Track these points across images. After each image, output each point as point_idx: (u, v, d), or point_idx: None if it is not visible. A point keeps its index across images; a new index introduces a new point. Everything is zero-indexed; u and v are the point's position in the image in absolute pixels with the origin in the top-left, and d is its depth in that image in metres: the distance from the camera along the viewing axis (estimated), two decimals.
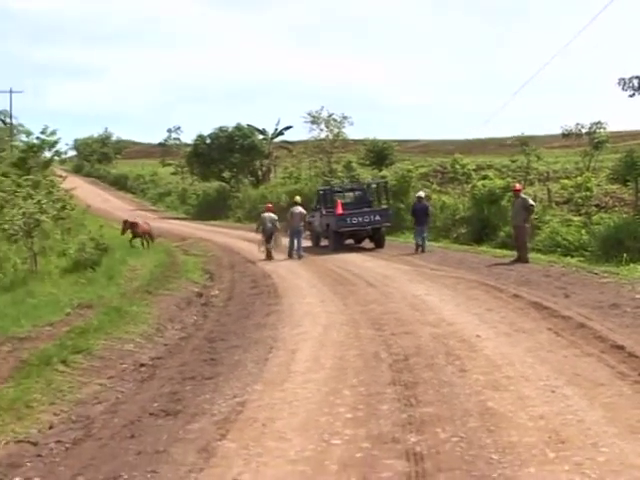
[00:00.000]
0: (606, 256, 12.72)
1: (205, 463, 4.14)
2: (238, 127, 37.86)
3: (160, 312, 9.84)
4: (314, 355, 6.73)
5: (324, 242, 18.70)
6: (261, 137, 39.63)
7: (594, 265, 12.03)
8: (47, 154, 25.05)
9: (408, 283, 11.30)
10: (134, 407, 5.55)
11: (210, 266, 15.89)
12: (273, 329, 8.21)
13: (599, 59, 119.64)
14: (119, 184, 54.78)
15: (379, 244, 17.63)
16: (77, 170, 61.65)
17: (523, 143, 27.57)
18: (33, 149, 23.58)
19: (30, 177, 18.80)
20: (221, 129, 37.88)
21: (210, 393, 5.67)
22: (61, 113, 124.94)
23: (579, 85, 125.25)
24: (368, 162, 31.68)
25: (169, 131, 57.12)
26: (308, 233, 18.98)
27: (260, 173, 39.07)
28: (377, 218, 17.39)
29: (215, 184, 39.90)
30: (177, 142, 55.16)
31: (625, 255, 12.00)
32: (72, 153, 64.20)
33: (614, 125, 43.44)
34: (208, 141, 37.94)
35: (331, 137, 33.73)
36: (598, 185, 19.72)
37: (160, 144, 59.06)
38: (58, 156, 27.21)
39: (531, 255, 13.31)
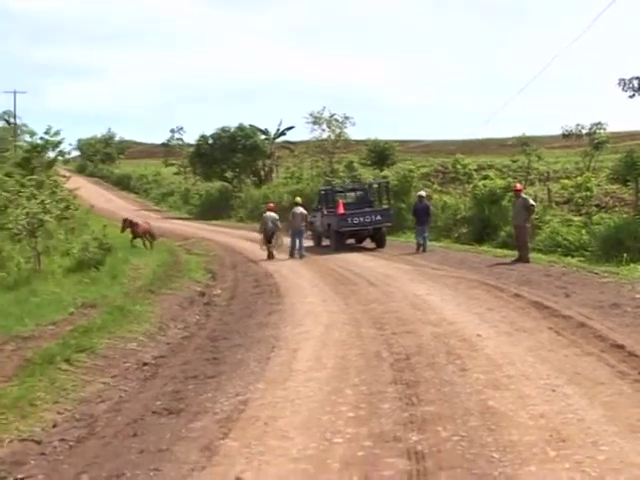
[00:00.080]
0: (606, 256, 12.76)
1: (207, 461, 4.15)
2: (240, 127, 37.93)
3: (163, 311, 9.86)
4: (316, 354, 6.74)
5: (325, 242, 18.76)
6: (263, 137, 39.73)
7: (594, 265, 12.06)
8: (51, 154, 25.20)
9: (409, 282, 11.32)
10: (137, 406, 5.56)
11: (213, 266, 15.92)
12: (275, 328, 8.22)
13: (599, 60, 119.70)
14: (122, 184, 54.92)
15: (380, 244, 17.68)
16: (80, 170, 61.83)
17: (524, 143, 27.66)
18: (37, 149, 23.67)
19: (34, 177, 18.88)
20: (223, 129, 37.96)
21: (212, 392, 5.68)
22: (64, 113, 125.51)
23: (579, 86, 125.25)
24: (370, 162, 31.76)
25: (172, 131, 57.28)
26: (310, 233, 19.05)
27: (262, 173, 39.13)
28: (378, 218, 17.46)
29: (217, 184, 39.97)
30: (180, 142, 55.28)
31: (625, 255, 12.04)
32: (75, 153, 64.59)
33: (614, 126, 43.46)
34: (211, 141, 38.02)
35: (333, 137, 33.79)
36: (598, 185, 19.77)
37: (163, 144, 59.23)
38: (62, 156, 27.36)
39: (532, 255, 13.33)
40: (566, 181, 19.61)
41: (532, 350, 6.32)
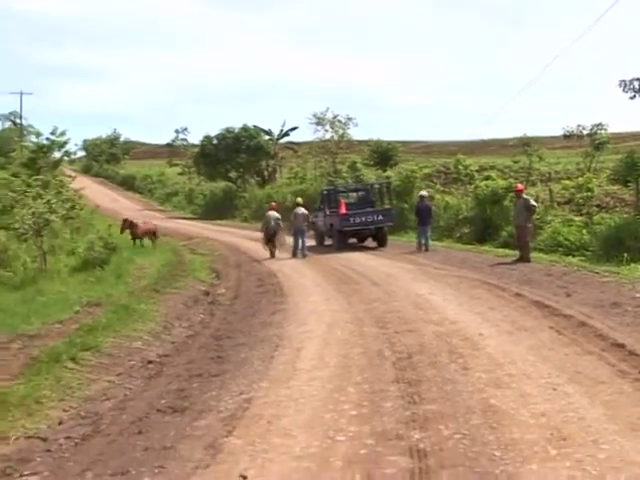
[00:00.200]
0: (607, 256, 12.80)
1: (212, 459, 4.16)
2: (244, 128, 38.02)
3: (167, 310, 9.88)
4: (319, 353, 6.76)
5: (328, 241, 18.88)
6: (267, 138, 39.81)
7: (595, 265, 12.08)
8: (56, 154, 25.29)
9: (411, 282, 11.34)
10: (142, 404, 5.58)
11: (217, 265, 15.95)
12: (279, 327, 8.25)
13: (600, 60, 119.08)
14: (127, 184, 55.14)
15: (382, 243, 17.81)
16: (86, 170, 62.09)
17: (525, 144, 27.72)
18: (43, 149, 23.78)
19: (40, 177, 18.96)
20: (228, 130, 38.07)
21: (217, 390, 5.70)
22: (70, 114, 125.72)
23: (580, 86, 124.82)
24: (372, 163, 31.86)
25: (176, 132, 57.60)
26: (312, 233, 19.15)
27: (266, 173, 39.22)
28: (380, 218, 17.61)
29: (222, 184, 40.08)
30: (184, 143, 55.54)
31: (626, 255, 12.08)
32: (81, 154, 64.85)
33: (615, 126, 43.36)
34: (215, 142, 38.14)
35: (336, 138, 33.88)
36: (599, 186, 19.81)
37: (167, 145, 59.50)
38: (67, 156, 27.48)
39: (533, 255, 13.37)
40: (567, 181, 19.70)
41: (533, 349, 6.33)
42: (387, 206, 18.89)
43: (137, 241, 18.74)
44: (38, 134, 25.99)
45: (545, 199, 19.39)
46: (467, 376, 5.57)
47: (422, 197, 17.24)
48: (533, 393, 5.04)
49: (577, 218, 16.58)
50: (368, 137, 34.86)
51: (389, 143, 33.19)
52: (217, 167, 38.06)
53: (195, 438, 4.58)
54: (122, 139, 68.87)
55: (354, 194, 20.27)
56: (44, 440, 4.88)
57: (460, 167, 24.43)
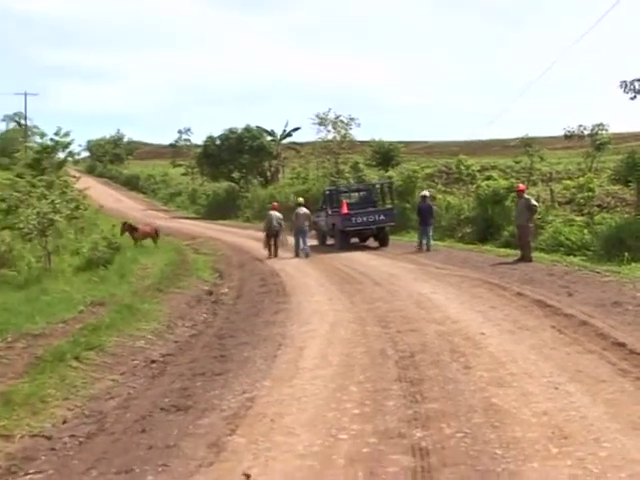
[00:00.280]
0: (608, 255, 12.84)
1: (215, 457, 4.18)
2: (247, 128, 38.10)
3: (171, 310, 9.90)
4: (322, 352, 6.77)
5: (330, 241, 18.97)
6: (270, 138, 39.91)
7: (596, 264, 12.09)
8: (61, 155, 25.35)
9: (413, 281, 11.36)
10: (145, 402, 5.60)
11: (220, 265, 15.99)
12: (282, 326, 8.26)
13: (601, 61, 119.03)
14: (131, 184, 55.27)
15: (383, 243, 17.90)
16: (90, 171, 62.26)
17: (526, 144, 27.74)
18: (47, 150, 23.84)
19: (44, 177, 19.01)
20: (231, 130, 38.14)
21: (220, 389, 5.72)
22: (74, 115, 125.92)
23: (581, 87, 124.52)
24: (375, 163, 31.94)
25: (179, 132, 57.82)
26: (314, 232, 19.24)
27: (269, 174, 39.28)
28: (381, 217, 17.70)
29: (225, 184, 40.15)
30: (187, 143, 55.76)
31: (627, 254, 12.12)
32: (85, 154, 65.10)
33: (616, 127, 43.30)
34: (218, 142, 38.21)
35: (338, 138, 33.93)
36: (600, 186, 19.84)
37: (171, 145, 59.72)
38: (71, 157, 27.55)
39: (534, 254, 13.40)
40: (568, 182, 19.75)
41: (535, 348, 6.35)
42: (389, 206, 18.97)
43: (137, 242, 18.76)
44: (42, 135, 26.10)
45: (546, 199, 19.44)
46: (469, 375, 5.59)
47: (424, 197, 17.30)
48: (535, 392, 5.06)
49: (578, 218, 16.61)
50: (370, 137, 35.01)
51: (391, 143, 33.28)
52: (220, 167, 38.12)
53: (198, 436, 4.60)
54: (126, 139, 69.10)
55: (356, 194, 20.36)
56: (49, 439, 4.92)
57: (462, 167, 24.46)
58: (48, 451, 4.67)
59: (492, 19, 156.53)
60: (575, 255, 13.88)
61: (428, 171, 28.91)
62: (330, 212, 18.53)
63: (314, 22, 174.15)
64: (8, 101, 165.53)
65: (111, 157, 64.81)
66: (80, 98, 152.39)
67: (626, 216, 16.07)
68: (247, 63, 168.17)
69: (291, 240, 17.20)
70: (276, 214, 17.09)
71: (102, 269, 13.41)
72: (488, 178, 21.77)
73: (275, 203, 19.20)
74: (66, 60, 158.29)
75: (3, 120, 66.77)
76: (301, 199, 18.72)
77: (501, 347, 6.46)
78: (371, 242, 18.53)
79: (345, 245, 17.68)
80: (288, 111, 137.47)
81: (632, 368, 5.48)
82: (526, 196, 13.90)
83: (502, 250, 15.45)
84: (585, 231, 15.08)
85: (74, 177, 25.29)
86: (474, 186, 21.77)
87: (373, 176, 28.34)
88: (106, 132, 69.47)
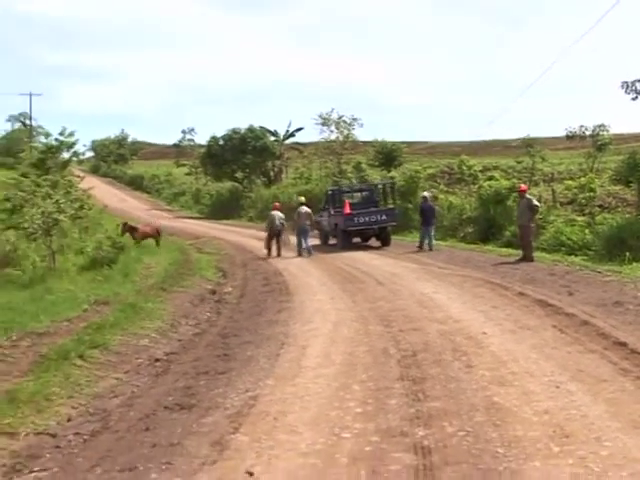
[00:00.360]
0: (609, 255, 12.92)
1: (218, 455, 4.21)
2: (250, 129, 38.16)
3: (174, 309, 9.91)
4: (324, 351, 6.80)
5: (332, 241, 19.07)
6: (273, 139, 39.95)
7: (597, 264, 12.14)
8: (65, 155, 25.45)
9: (416, 281, 11.38)
10: (149, 401, 5.62)
11: (223, 264, 16.01)
12: (284, 325, 8.28)
13: (602, 61, 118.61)
14: (135, 184, 55.40)
15: (385, 242, 18.00)
16: (94, 170, 62.42)
17: (528, 145, 27.79)
18: (52, 150, 23.91)
19: (49, 177, 19.05)
20: (234, 131, 38.21)
21: (223, 387, 5.74)
22: (78, 115, 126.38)
23: (582, 87, 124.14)
24: (377, 163, 32.00)
25: (183, 132, 57.94)
26: (316, 232, 19.34)
27: (272, 174, 39.33)
28: (383, 217, 17.80)
29: (228, 184, 40.22)
30: (191, 143, 55.87)
31: (628, 254, 12.18)
32: (89, 154, 65.34)
33: (617, 127, 43.25)
34: (221, 142, 38.29)
35: (341, 139, 33.98)
36: (601, 186, 19.98)
37: (174, 145, 59.86)
38: (76, 157, 27.67)
39: (536, 254, 13.44)
40: (570, 182, 19.82)
41: (536, 347, 6.36)
42: (391, 206, 19.07)
43: (137, 242, 18.77)
44: (47, 135, 26.31)
45: (548, 199, 19.55)
46: (471, 374, 5.61)
47: (425, 198, 17.43)
48: (536, 391, 5.07)
49: (579, 218, 16.72)
50: (372, 138, 35.13)
51: (394, 144, 33.35)
52: (223, 167, 38.20)
53: (202, 435, 4.62)
54: (130, 140, 69.26)
55: (358, 194, 20.47)
56: (53, 436, 4.94)
57: (464, 167, 24.51)
58: (53, 449, 4.69)
59: (492, 19, 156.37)
60: (576, 255, 13.94)
61: (430, 171, 28.96)
62: (332, 212, 18.65)
63: (314, 22, 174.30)
64: (13, 101, 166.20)
65: (115, 157, 64.99)
66: (84, 98, 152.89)
67: (627, 216, 16.19)
68: (248, 63, 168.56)
69: (293, 239, 17.28)
70: (278, 214, 17.17)
71: (106, 268, 13.44)
72: (490, 178, 21.84)
73: (277, 203, 19.29)
74: (69, 60, 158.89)
75: (8, 120, 67.09)
76: (302, 198, 18.82)
77: (503, 346, 6.48)
78: (373, 242, 18.58)
79: (347, 245, 17.80)
80: (289, 111, 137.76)
81: (633, 367, 5.49)
82: (528, 196, 13.94)
83: (504, 250, 15.49)
84: (586, 231, 15.16)
85: (78, 177, 25.36)
86: (476, 186, 21.85)
87: (376, 176, 28.40)
88: (110, 132, 69.79)
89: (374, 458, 4.00)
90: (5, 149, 51.30)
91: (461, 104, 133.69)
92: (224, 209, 36.50)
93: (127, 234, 18.17)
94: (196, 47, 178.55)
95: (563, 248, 14.79)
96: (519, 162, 29.15)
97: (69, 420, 5.33)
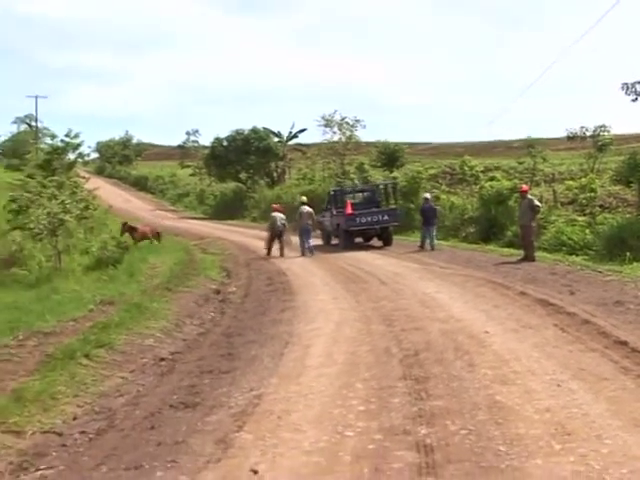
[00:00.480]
0: (610, 255, 12.96)
1: (223, 454, 4.23)
2: (254, 130, 38.27)
3: (179, 308, 9.93)
4: (328, 350, 6.82)
5: (335, 240, 19.14)
6: (276, 140, 40.04)
7: (598, 264, 12.16)
8: (71, 156, 25.59)
9: (418, 281, 11.40)
10: (154, 399, 5.65)
11: (227, 264, 16.05)
12: (288, 325, 8.32)
13: (602, 62, 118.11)
14: (140, 185, 55.57)
15: (387, 242, 18.09)
16: (99, 171, 62.63)
17: (529, 145, 27.87)
18: (57, 151, 24.02)
19: (55, 178, 19.06)
20: (238, 132, 38.31)
21: (227, 386, 5.77)
22: (83, 117, 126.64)
23: (582, 88, 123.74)
24: (380, 164, 32.09)
25: (187, 134, 58.18)
26: (319, 232, 19.43)
27: (275, 174, 39.41)
28: (385, 218, 17.89)
29: (232, 185, 40.31)
30: (195, 144, 56.08)
31: (628, 254, 12.21)
32: (94, 155, 65.67)
33: (618, 128, 43.14)
34: (225, 143, 38.40)
35: (344, 140, 34.07)
36: (602, 186, 20.00)
37: (179, 146, 60.12)
38: (81, 158, 27.86)
39: (537, 254, 13.46)
40: (571, 182, 19.88)
41: (538, 346, 6.37)
42: (392, 206, 19.14)
43: (136, 243, 18.81)
44: (53, 136, 26.45)
45: (549, 199, 19.60)
46: (473, 373, 5.62)
47: (426, 199, 17.55)
48: (538, 389, 5.09)
49: (580, 218, 16.75)
50: (375, 139, 35.25)
51: (396, 144, 33.48)
52: (227, 168, 38.30)
53: (206, 433, 4.65)
54: (134, 141, 69.57)
55: (360, 195, 20.55)
56: (59, 435, 4.97)
57: (465, 168, 24.58)
58: (59, 447, 4.73)
59: (492, 19, 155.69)
60: (577, 255, 13.97)
61: (432, 172, 28.98)
62: (335, 212, 18.76)
63: (314, 23, 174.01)
64: (19, 104, 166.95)
65: (120, 158, 65.23)
66: (89, 100, 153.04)
67: (628, 216, 16.23)
68: (249, 64, 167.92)
69: (295, 240, 17.39)
70: (279, 215, 17.31)
71: (111, 268, 13.50)
72: (492, 179, 21.88)
73: (277, 204, 19.43)
74: (74, 62, 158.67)
75: (14, 122, 67.57)
76: (304, 198, 18.94)
77: (505, 345, 6.49)
78: (375, 242, 18.65)
79: (349, 245, 17.90)
80: (290, 111, 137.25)
81: (634, 366, 5.50)
82: (529, 196, 13.97)
83: (505, 250, 15.52)
84: (587, 231, 15.23)
85: (84, 178, 25.44)
86: (478, 187, 21.90)
87: (378, 177, 28.45)
88: (115, 134, 70.12)
89: (377, 456, 4.02)
90: (11, 151, 51.67)
91: (461, 104, 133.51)
92: (228, 210, 36.58)
93: (127, 234, 18.25)
94: (198, 48, 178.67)
95: (564, 248, 14.83)
96: (520, 163, 29.21)
97: (75, 419, 5.36)
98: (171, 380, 6.31)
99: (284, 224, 17.12)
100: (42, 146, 30.28)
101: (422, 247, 16.48)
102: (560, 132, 27.54)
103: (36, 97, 51.03)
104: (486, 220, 18.83)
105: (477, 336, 6.93)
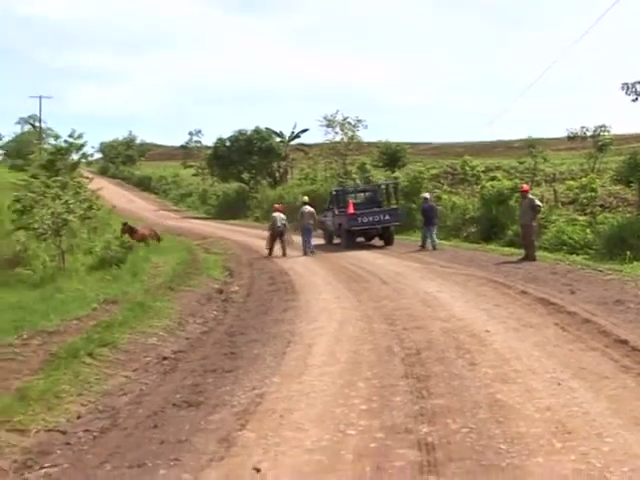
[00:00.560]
0: (610, 254, 13.03)
1: (226, 452, 4.24)
2: (257, 130, 38.34)
3: (182, 307, 9.95)
4: (330, 349, 6.84)
5: (337, 240, 19.25)
6: (278, 140, 40.10)
7: (599, 263, 12.19)
8: (74, 156, 25.59)
9: (419, 280, 11.42)
10: (158, 398, 5.67)
11: (230, 263, 16.09)
12: (290, 324, 8.33)
13: (602, 62, 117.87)
14: (143, 185, 55.69)
15: (388, 242, 18.17)
16: (103, 172, 62.76)
17: (530, 145, 27.85)
18: (61, 152, 24.05)
19: (58, 178, 19.09)
20: (240, 132, 38.39)
21: (230, 385, 5.79)
22: (87, 117, 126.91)
23: (583, 88, 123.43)
24: (381, 164, 32.16)
25: (190, 134, 58.27)
26: (321, 232, 19.51)
27: (277, 174, 39.48)
28: (386, 217, 18.00)
29: (234, 185, 40.39)
30: (198, 145, 56.20)
31: (628, 253, 12.27)
32: (98, 156, 65.76)
33: (618, 128, 43.07)
34: (228, 144, 38.48)
35: (346, 140, 34.13)
36: (602, 186, 20.04)
37: (182, 147, 60.25)
38: (85, 158, 27.87)
39: (538, 253, 13.46)
40: (571, 182, 19.94)
41: (538, 345, 6.39)
42: (394, 206, 19.22)
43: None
44: (56, 137, 26.42)
45: (550, 199, 19.64)
46: (474, 371, 5.64)
47: (426, 199, 17.59)
48: (538, 388, 5.11)
49: (581, 218, 16.81)
50: (377, 139, 35.31)
51: (398, 145, 33.52)
52: (230, 168, 38.37)
53: (209, 432, 4.66)
54: (138, 141, 69.68)
55: (362, 194, 20.64)
56: (63, 433, 4.99)
57: (467, 168, 24.62)
58: (63, 445, 4.74)
59: (492, 19, 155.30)
60: (578, 254, 14.02)
61: (434, 172, 29.01)
62: (337, 212, 18.85)
63: (314, 23, 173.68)
64: (22, 104, 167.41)
65: (123, 158, 65.37)
66: (92, 101, 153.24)
67: (628, 216, 16.28)
68: (250, 64, 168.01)
69: (297, 239, 17.47)
70: (280, 215, 17.40)
71: (115, 268, 13.54)
72: (493, 179, 21.91)
73: (278, 205, 19.50)
74: (77, 63, 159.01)
75: (18, 123, 67.84)
76: (306, 198, 19.09)
77: (505, 344, 6.51)
78: (376, 241, 18.69)
79: (351, 244, 17.99)
80: (291, 111, 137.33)
81: (634, 365, 5.51)
82: (530, 196, 14.00)
83: (506, 249, 15.52)
84: (588, 230, 15.29)
85: (87, 178, 25.45)
86: (479, 186, 21.97)
87: (380, 177, 28.49)
88: (119, 134, 70.23)
89: (379, 454, 4.03)
90: (15, 151, 51.86)
91: (461, 104, 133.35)
92: (230, 209, 36.66)
93: (126, 235, 18.29)
94: (199, 48, 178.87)
95: (565, 247, 14.88)
96: (521, 162, 29.23)
97: (79, 417, 5.37)
98: (174, 379, 6.33)
99: (284, 224, 17.23)
100: (46, 146, 30.33)
101: (423, 247, 16.53)
102: (560, 132, 27.63)
103: (40, 97, 51.27)
104: (487, 220, 18.88)
105: (478, 335, 6.95)
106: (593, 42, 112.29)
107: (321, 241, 19.19)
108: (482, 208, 19.49)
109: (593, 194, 17.51)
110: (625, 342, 6.17)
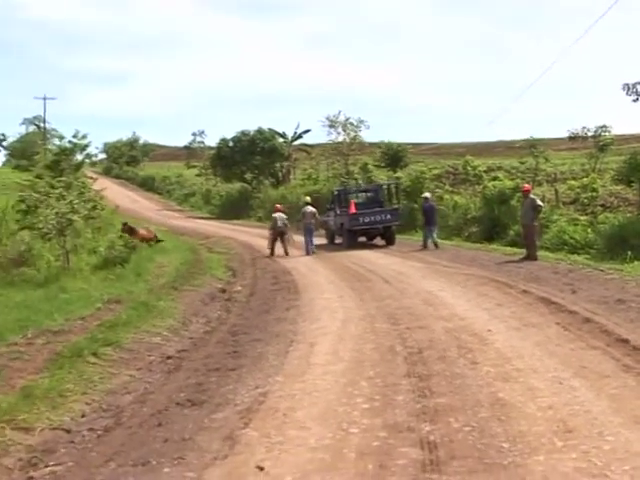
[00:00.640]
0: (611, 254, 13.07)
1: (229, 450, 4.24)
2: (259, 131, 38.43)
3: (185, 307, 9.98)
4: (333, 348, 6.85)
5: (338, 240, 19.33)
6: (281, 140, 40.20)
7: (600, 262, 12.19)
8: (79, 157, 25.77)
9: (422, 279, 11.44)
10: (161, 397, 5.69)
11: (233, 263, 16.14)
12: (293, 323, 8.35)
13: (603, 62, 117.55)
14: (146, 185, 55.87)
15: (390, 241, 18.26)
16: (107, 172, 62.96)
17: (532, 145, 27.88)
18: (65, 152, 24.17)
19: (63, 179, 19.18)
20: (243, 133, 38.50)
21: (234, 384, 5.80)
22: (91, 118, 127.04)
23: (583, 88, 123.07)
24: (383, 164, 32.23)
25: (194, 135, 58.54)
26: (322, 231, 19.60)
27: (280, 175, 39.58)
28: (388, 217, 18.10)
29: (237, 185, 40.52)
30: (201, 145, 56.42)
31: (629, 253, 12.31)
32: (102, 156, 66.05)
33: (619, 128, 42.99)
34: (231, 144, 38.60)
35: (348, 140, 34.21)
36: (603, 186, 20.12)
37: (185, 147, 60.48)
38: (89, 159, 28.09)
39: (539, 253, 13.47)
40: (572, 182, 20.09)
41: (540, 344, 6.39)
42: (395, 206, 19.26)
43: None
44: (61, 137, 26.63)
45: (551, 199, 19.72)
46: (476, 370, 5.64)
47: (426, 198, 17.66)
48: (540, 387, 5.11)
49: (582, 217, 16.91)
50: (379, 139, 35.39)
51: (399, 145, 33.59)
52: (233, 169, 38.49)
53: (213, 430, 4.68)
54: (141, 142, 69.94)
55: (363, 194, 20.72)
56: (68, 432, 5.01)
57: (468, 168, 24.68)
58: (67, 444, 4.76)
59: (492, 19, 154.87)
60: (579, 253, 14.05)
61: (436, 172, 29.05)
62: (338, 212, 18.92)
63: (318, 26, 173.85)
64: (28, 105, 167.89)
65: (127, 159, 65.58)
66: (96, 102, 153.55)
67: (629, 215, 16.40)
68: (255, 67, 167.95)
69: (299, 239, 17.55)
70: (280, 215, 17.51)
71: (119, 267, 13.56)
72: (494, 179, 22.02)
73: (278, 205, 19.59)
74: (81, 64, 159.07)
75: (23, 123, 68.04)
76: (308, 198, 19.20)
77: (507, 343, 6.52)
78: (378, 241, 18.73)
79: (353, 244, 18.07)
80: (294, 113, 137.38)
81: (635, 364, 5.50)
82: (531, 196, 14.02)
83: (508, 249, 15.53)
84: (589, 230, 15.35)
85: (91, 178, 25.59)
86: (480, 186, 22.05)
87: (382, 177, 28.56)
88: (122, 135, 70.39)
89: (381, 453, 4.03)
90: (20, 151, 52.05)
91: (461, 104, 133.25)
92: (234, 209, 36.75)
93: (126, 235, 18.31)
94: (203, 51, 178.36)
95: (566, 247, 14.92)
96: (523, 162, 29.27)
97: (83, 416, 5.39)
98: (178, 378, 6.35)
99: (285, 224, 17.32)
100: (50, 147, 30.48)
101: (425, 246, 16.55)
102: (562, 132, 27.73)
103: (44, 98, 51.38)
104: (489, 219, 18.92)
105: (480, 334, 6.96)
106: (593, 42, 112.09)
107: (323, 241, 19.24)
108: (484, 208, 19.54)
109: (594, 194, 17.60)
110: (626, 341, 6.16)
